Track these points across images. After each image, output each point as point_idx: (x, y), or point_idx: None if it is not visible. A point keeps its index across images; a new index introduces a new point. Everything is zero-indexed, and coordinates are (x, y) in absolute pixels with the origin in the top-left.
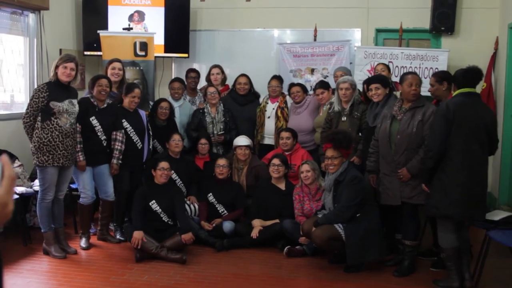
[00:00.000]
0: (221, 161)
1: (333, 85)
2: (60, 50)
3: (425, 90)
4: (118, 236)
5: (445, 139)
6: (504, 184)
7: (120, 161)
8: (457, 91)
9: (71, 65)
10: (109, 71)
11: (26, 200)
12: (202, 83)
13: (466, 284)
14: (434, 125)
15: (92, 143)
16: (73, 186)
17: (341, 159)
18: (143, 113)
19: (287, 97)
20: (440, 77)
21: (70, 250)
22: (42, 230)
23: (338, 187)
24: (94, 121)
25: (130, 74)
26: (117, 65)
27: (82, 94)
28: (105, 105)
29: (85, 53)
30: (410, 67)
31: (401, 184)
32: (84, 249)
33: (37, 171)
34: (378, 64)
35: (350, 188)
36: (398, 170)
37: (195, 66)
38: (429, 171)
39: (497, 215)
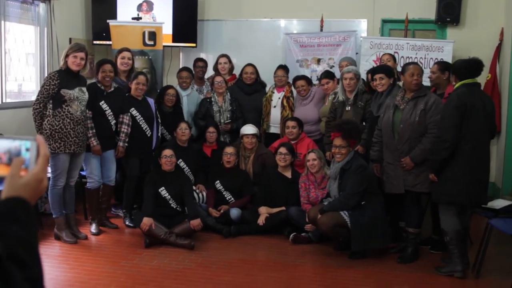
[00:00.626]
0: (229, 149)
1: (338, 75)
2: (70, 39)
3: (427, 80)
4: (127, 223)
5: (459, 130)
6: (508, 175)
7: (126, 144)
8: (461, 82)
9: (81, 54)
10: (119, 60)
11: None
12: (209, 72)
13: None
14: (446, 117)
15: (103, 128)
16: (83, 173)
17: (348, 149)
18: (151, 101)
19: (293, 87)
20: (443, 66)
21: (81, 236)
22: (53, 216)
23: (344, 175)
24: (104, 105)
25: (139, 63)
26: (126, 54)
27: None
28: (112, 89)
29: (94, 42)
30: (416, 57)
31: (404, 173)
32: (94, 234)
33: (49, 158)
34: (383, 55)
35: (356, 176)
36: (401, 159)
37: (202, 55)
38: (441, 162)
39: (499, 204)
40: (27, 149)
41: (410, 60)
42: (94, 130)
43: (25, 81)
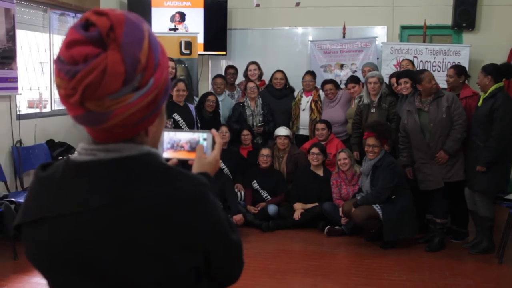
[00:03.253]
0: (265, 151)
1: (361, 79)
2: None
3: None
4: None
5: None
6: None
7: None
8: (498, 85)
9: None
10: None
11: None
12: (239, 79)
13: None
14: (505, 117)
15: None
16: None
17: (380, 148)
18: (192, 107)
19: (320, 91)
20: (459, 70)
21: None
22: None
23: (376, 172)
24: None
25: (177, 71)
26: (171, 63)
27: None
28: None
29: None
30: (434, 61)
31: (440, 168)
32: None
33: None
34: (403, 60)
35: (387, 173)
36: (436, 155)
37: (230, 63)
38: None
39: None
40: (204, 139)
41: (429, 65)
42: None
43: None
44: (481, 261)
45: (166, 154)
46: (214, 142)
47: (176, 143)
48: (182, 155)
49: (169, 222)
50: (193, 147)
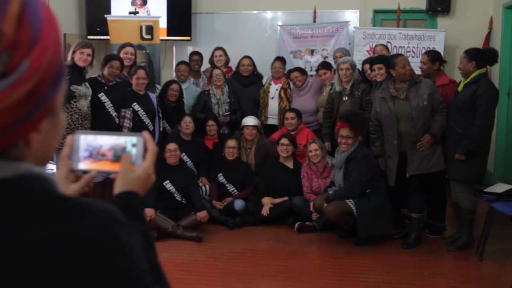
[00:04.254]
0: (231, 143)
1: (333, 65)
2: (65, 34)
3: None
4: None
5: None
6: (499, 160)
7: None
8: (481, 71)
9: (88, 50)
10: (122, 55)
11: None
12: (205, 65)
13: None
14: (490, 104)
15: (104, 118)
16: None
17: (354, 139)
18: (153, 96)
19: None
20: (433, 56)
21: None
22: None
23: (349, 164)
24: (103, 97)
25: (137, 58)
26: (129, 49)
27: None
28: (114, 82)
29: (89, 37)
30: (408, 47)
31: (420, 158)
32: None
33: (54, 155)
34: (377, 45)
35: (361, 165)
36: (421, 139)
37: (196, 49)
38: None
39: (500, 188)
40: (133, 145)
41: (403, 50)
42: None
43: None
44: (461, 259)
45: (82, 165)
46: (146, 149)
47: (96, 150)
48: (103, 166)
49: (58, 282)
50: (118, 155)
